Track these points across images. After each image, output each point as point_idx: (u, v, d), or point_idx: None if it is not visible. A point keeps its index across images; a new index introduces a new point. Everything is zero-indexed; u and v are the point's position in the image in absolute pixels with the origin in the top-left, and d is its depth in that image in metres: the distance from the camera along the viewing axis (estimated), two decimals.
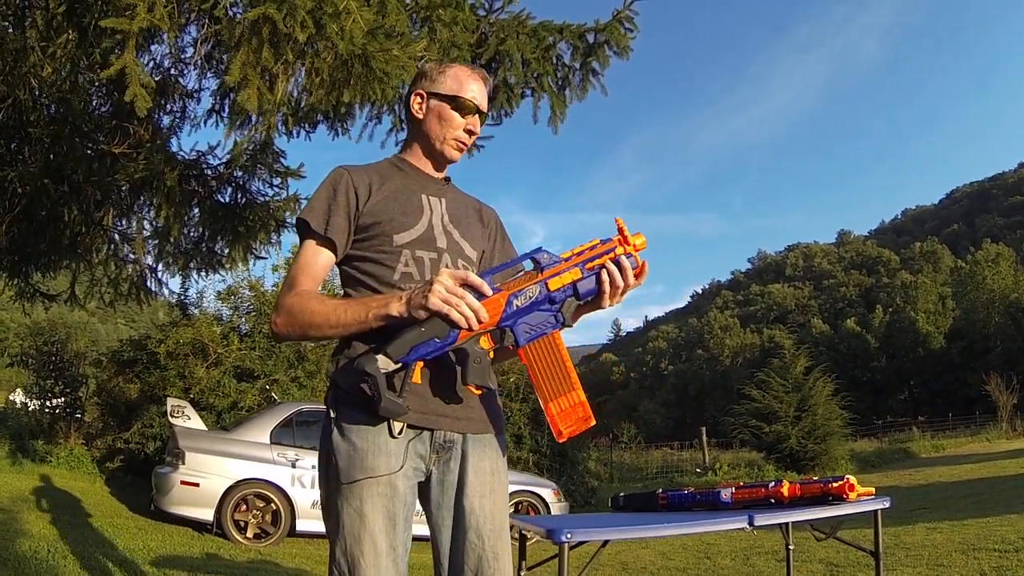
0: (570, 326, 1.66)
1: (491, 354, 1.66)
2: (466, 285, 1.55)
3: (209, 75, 5.37)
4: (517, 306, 1.62)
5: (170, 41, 4.70)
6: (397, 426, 1.63)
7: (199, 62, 5.09)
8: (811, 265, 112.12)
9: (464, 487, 1.70)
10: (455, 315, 1.51)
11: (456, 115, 1.83)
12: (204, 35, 4.34)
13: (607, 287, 1.62)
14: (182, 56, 5.44)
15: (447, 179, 1.94)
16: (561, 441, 1.67)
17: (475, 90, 1.85)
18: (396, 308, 1.56)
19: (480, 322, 1.55)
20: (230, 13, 4.14)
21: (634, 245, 1.69)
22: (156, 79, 5.01)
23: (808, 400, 17.46)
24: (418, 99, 1.88)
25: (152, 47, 5.17)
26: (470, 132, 1.86)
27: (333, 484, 1.63)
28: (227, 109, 5.16)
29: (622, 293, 1.65)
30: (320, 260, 1.75)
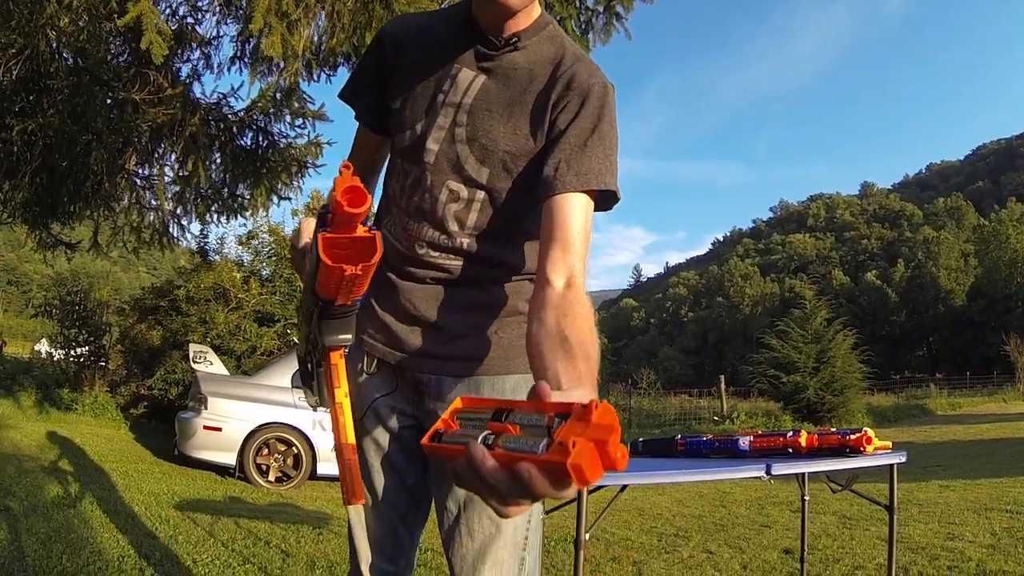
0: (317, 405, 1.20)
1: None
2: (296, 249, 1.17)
3: (229, 21, 5.31)
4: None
5: None
6: (368, 363, 1.38)
7: (217, 9, 5.04)
8: (833, 216, 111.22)
9: None
10: None
11: None
12: None
13: None
14: (198, 3, 5.39)
15: (513, 39, 1.23)
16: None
17: None
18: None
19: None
20: None
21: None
22: (173, 27, 4.97)
23: (827, 352, 17.42)
24: None
25: None
26: None
27: None
28: (249, 56, 5.11)
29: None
30: (359, 139, 1.43)
